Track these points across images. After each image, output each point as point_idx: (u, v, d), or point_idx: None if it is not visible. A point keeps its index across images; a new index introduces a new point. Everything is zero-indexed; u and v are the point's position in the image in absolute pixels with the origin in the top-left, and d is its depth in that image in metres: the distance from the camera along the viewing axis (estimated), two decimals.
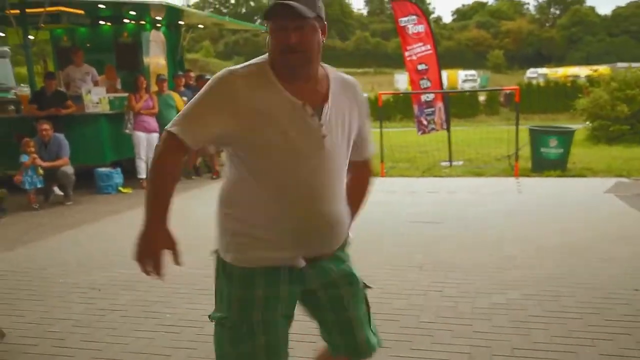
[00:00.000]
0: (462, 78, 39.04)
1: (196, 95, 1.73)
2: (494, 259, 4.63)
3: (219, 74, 1.73)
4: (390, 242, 5.28)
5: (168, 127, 1.71)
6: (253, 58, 1.79)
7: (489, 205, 6.67)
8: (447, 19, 79.04)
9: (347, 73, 1.93)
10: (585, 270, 4.29)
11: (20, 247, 5.52)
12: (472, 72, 42.45)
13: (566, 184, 7.98)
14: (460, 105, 22.30)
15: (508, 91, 17.46)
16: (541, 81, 26.64)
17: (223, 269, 1.86)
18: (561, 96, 22.33)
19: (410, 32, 9.65)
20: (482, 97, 24.33)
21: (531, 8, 79.10)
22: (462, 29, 69.15)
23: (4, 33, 12.12)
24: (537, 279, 4.11)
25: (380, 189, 7.98)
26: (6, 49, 12.86)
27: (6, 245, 5.55)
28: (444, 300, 3.78)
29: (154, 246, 1.72)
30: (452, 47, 59.69)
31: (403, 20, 9.65)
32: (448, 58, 46.29)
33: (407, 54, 9.73)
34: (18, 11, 8.77)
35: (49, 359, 3.15)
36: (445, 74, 30.86)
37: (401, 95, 20.24)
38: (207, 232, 5.70)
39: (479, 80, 41.16)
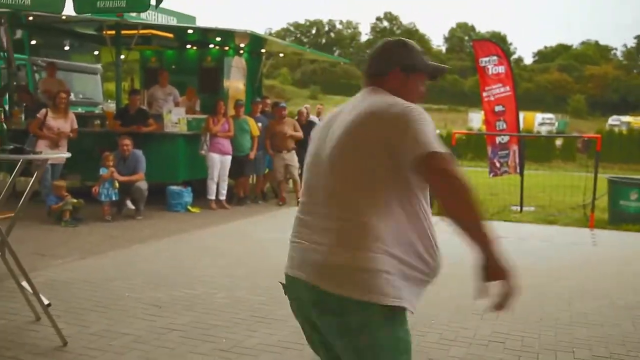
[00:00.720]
0: (539, 121, 37.96)
1: (416, 124, 1.67)
2: (563, 313, 4.40)
3: (414, 107, 1.74)
4: (455, 285, 5.12)
5: (435, 149, 1.62)
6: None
7: (561, 256, 6.37)
8: (528, 60, 77.21)
9: (425, 108, 1.91)
10: None
11: (91, 257, 5.76)
12: (550, 115, 41.25)
13: None
14: (536, 149, 21.64)
15: (587, 138, 16.79)
16: (624, 129, 25.49)
17: (394, 317, 1.76)
18: None
19: (490, 72, 9.51)
20: (558, 142, 23.52)
21: (618, 53, 76.22)
22: (543, 71, 67.48)
23: (98, 51, 12.96)
24: (609, 339, 3.87)
25: (447, 229, 7.80)
26: (99, 66, 13.69)
27: (79, 254, 5.81)
28: (506, 353, 3.62)
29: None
30: (531, 89, 58.26)
31: (484, 61, 9.53)
32: (526, 100, 45.25)
33: (485, 94, 9.58)
34: (114, 32, 9.40)
35: None
36: (522, 115, 30.19)
37: (474, 135, 19.89)
38: (268, 259, 5.78)
39: (556, 124, 39.89)
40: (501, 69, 9.48)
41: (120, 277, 5.06)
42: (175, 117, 8.82)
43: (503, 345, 3.73)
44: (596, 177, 8.41)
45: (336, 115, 1.91)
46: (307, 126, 10.98)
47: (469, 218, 1.67)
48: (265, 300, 4.45)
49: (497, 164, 9.53)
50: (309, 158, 1.92)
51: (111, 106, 11.73)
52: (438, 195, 1.67)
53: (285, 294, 1.89)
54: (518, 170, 9.69)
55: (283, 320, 3.93)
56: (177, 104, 9.67)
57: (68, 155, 4.97)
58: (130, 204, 7.95)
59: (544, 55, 76.39)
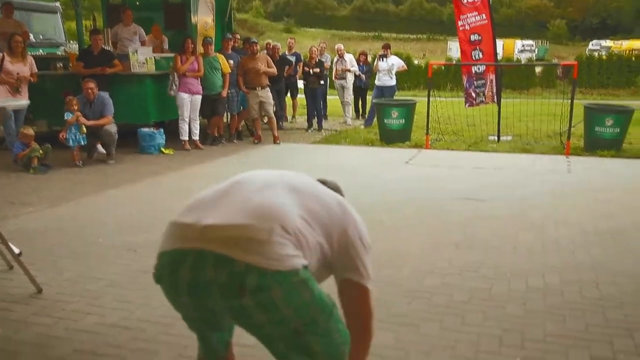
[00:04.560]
0: (519, 48, 37.58)
1: (366, 242, 1.93)
2: (536, 241, 4.45)
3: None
4: (429, 217, 5.15)
5: (368, 284, 1.91)
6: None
7: (536, 185, 6.42)
8: None
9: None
10: (631, 258, 4.08)
11: (63, 204, 5.65)
12: (530, 42, 40.81)
13: (619, 165, 7.58)
14: (515, 77, 21.48)
15: (566, 66, 16.68)
16: (603, 54, 25.36)
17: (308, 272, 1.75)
18: (624, 71, 21.22)
19: (464, 1, 9.25)
20: (538, 69, 23.38)
21: None
22: None
23: None
24: (579, 265, 3.93)
25: (424, 162, 7.81)
26: (57, 4, 13.04)
27: (49, 201, 5.70)
28: (479, 280, 3.66)
29: None
30: (511, 16, 57.38)
31: None
32: (506, 27, 44.54)
33: (460, 23, 9.35)
34: None
35: (82, 316, 3.21)
36: (501, 43, 29.80)
37: (452, 65, 19.63)
38: None
39: (536, 51, 39.55)
40: None
41: (93, 223, 4.98)
42: (143, 57, 8.50)
43: (476, 274, 3.77)
44: (572, 105, 8.39)
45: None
46: (280, 62, 10.76)
47: (364, 348, 1.99)
48: None
49: (473, 94, 9.44)
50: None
51: (74, 47, 11.28)
52: (352, 321, 1.91)
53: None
54: (495, 100, 9.62)
55: None
56: (143, 43, 9.30)
57: (26, 102, 4.77)
58: (101, 149, 7.78)
59: None
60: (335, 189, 2.09)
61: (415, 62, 23.41)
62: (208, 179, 6.87)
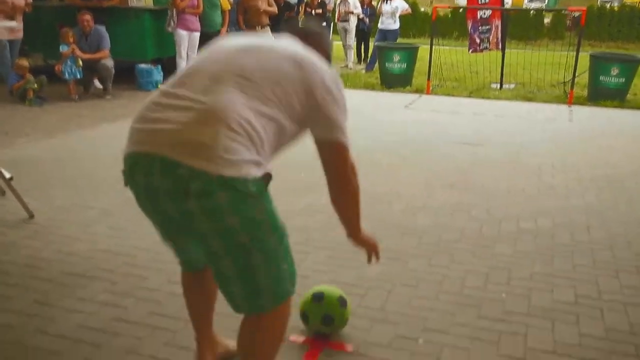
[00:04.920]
0: None
1: (338, 97, 1.73)
2: (531, 186, 4.43)
3: (335, 72, 1.76)
4: (427, 160, 5.12)
5: (344, 140, 1.76)
6: None
7: (536, 132, 6.35)
8: None
9: None
10: (623, 204, 4.07)
11: (58, 135, 5.62)
12: None
13: (621, 115, 7.49)
14: (523, 26, 21.01)
15: (575, 13, 16.26)
16: (615, 5, 24.73)
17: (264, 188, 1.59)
18: (635, 23, 20.73)
19: None
20: (547, 20, 22.84)
21: None
22: None
23: None
24: (572, 209, 3.93)
25: (424, 107, 7.71)
26: None
27: (44, 133, 5.66)
28: (470, 221, 3.66)
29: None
30: None
31: None
32: None
33: None
34: None
35: (73, 241, 3.24)
36: None
37: (460, 10, 19.15)
38: None
39: (546, 1, 38.52)
40: None
41: (88, 155, 4.97)
42: None
43: (468, 215, 3.77)
44: (578, 53, 8.22)
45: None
46: (282, 3, 10.48)
47: (352, 214, 1.90)
48: None
49: (478, 40, 9.23)
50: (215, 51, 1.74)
51: None
52: (333, 181, 1.82)
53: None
54: (499, 47, 9.42)
55: None
56: None
57: (14, 24, 4.64)
58: (97, 83, 7.68)
59: None
60: (314, 35, 1.91)
61: (422, 9, 22.84)
62: None
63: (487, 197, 4.14)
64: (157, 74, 8.30)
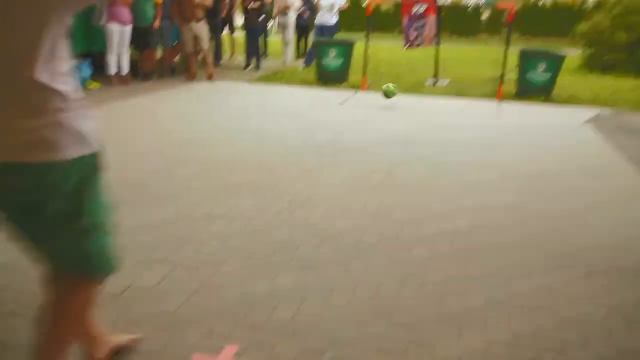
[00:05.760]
0: None
1: None
2: (454, 184, 4.48)
3: None
4: (353, 160, 5.10)
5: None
6: None
7: (464, 129, 6.46)
8: None
9: None
10: (542, 201, 4.17)
11: None
12: None
13: (547, 111, 7.73)
14: (461, 22, 21.44)
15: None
16: (548, 2, 25.53)
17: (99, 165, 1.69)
18: (567, 20, 21.46)
19: None
20: (484, 16, 23.37)
21: None
22: None
23: None
24: (492, 207, 3.99)
25: (358, 104, 7.71)
26: None
27: None
28: (390, 223, 3.66)
29: None
30: None
31: None
32: None
33: None
34: None
35: None
36: None
37: (392, 4, 19.33)
38: (162, 135, 5.53)
39: None
40: None
41: None
42: None
43: (388, 217, 3.77)
44: (507, 49, 8.39)
45: None
46: None
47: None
48: (154, 178, 4.28)
49: (411, 36, 9.31)
50: None
51: None
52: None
53: None
54: (434, 43, 9.53)
55: (173, 197, 3.81)
56: None
57: None
58: None
59: None
60: None
61: (364, 4, 22.94)
62: (132, 115, 6.59)
63: (409, 196, 4.16)
64: (85, 69, 7.96)
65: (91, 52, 8.46)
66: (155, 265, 2.94)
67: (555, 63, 8.30)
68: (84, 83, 7.90)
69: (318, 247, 3.28)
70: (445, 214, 3.84)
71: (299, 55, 12.64)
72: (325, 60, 9.16)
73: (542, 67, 8.24)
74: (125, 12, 8.07)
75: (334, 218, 3.71)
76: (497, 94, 8.26)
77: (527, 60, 8.43)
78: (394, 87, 7.53)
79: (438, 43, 9.54)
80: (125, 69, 8.36)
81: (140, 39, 8.50)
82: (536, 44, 18.31)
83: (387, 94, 7.43)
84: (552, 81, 8.34)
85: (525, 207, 4.03)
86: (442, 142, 5.81)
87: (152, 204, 3.77)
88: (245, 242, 3.26)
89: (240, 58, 11.64)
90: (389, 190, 4.28)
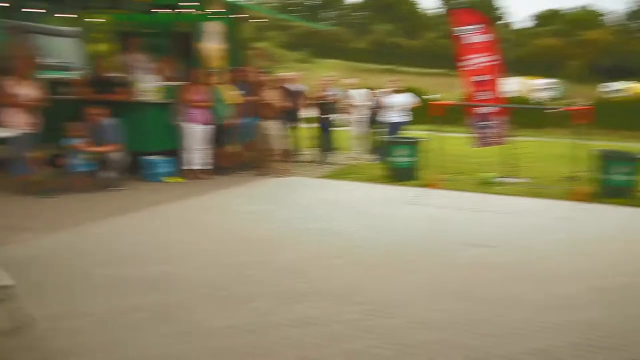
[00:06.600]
0: (541, 86, 37.16)
1: None
2: (537, 295, 4.28)
3: None
4: (429, 263, 5.01)
5: None
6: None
7: (544, 232, 6.23)
8: (521, 24, 75.79)
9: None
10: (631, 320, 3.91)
11: (61, 230, 5.63)
12: (554, 80, 40.28)
13: (631, 214, 7.41)
14: (527, 115, 21.35)
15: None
16: (618, 96, 25.25)
17: None
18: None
19: (470, 41, 9.25)
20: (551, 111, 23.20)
21: (611, 18, 74.64)
22: (536, 36, 66.52)
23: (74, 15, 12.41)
24: (585, 323, 3.77)
25: (428, 202, 7.60)
26: (78, 29, 13.16)
27: (48, 228, 5.67)
28: (472, 338, 3.51)
29: None
30: (522, 55, 57.49)
31: (464, 30, 9.27)
32: (520, 65, 44.56)
33: (465, 64, 9.34)
34: None
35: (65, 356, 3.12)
36: (517, 80, 29.60)
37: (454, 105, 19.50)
38: (242, 233, 5.64)
39: (559, 89, 38.94)
40: (484, 38, 9.21)
41: (88, 253, 4.95)
42: (149, 85, 8.56)
43: (469, 330, 3.63)
44: (585, 149, 8.25)
45: None
46: (293, 93, 10.81)
47: None
48: (239, 278, 4.35)
49: (481, 136, 9.37)
50: None
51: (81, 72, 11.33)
52: None
53: None
54: (504, 142, 9.54)
55: (247, 301, 3.84)
56: (151, 71, 9.35)
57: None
58: (106, 175, 7.77)
59: (538, 19, 75.16)
60: None
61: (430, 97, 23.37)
62: (210, 210, 6.82)
63: (492, 307, 4.00)
64: (167, 165, 8.41)
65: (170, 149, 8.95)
66: None
67: (636, 164, 8.14)
68: (165, 178, 8.31)
69: None
70: (532, 330, 3.66)
71: (368, 150, 12.84)
72: (395, 158, 9.36)
73: (622, 168, 8.07)
74: (203, 113, 8.62)
75: (414, 329, 3.60)
76: (577, 195, 7.99)
77: (604, 161, 8.28)
78: None
79: (509, 142, 9.51)
80: (204, 165, 8.78)
81: (216, 136, 8.98)
82: (613, 138, 17.70)
83: None
84: (633, 182, 8.12)
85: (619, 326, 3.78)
86: (523, 247, 5.63)
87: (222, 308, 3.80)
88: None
89: (311, 152, 11.90)
90: (471, 300, 4.14)
